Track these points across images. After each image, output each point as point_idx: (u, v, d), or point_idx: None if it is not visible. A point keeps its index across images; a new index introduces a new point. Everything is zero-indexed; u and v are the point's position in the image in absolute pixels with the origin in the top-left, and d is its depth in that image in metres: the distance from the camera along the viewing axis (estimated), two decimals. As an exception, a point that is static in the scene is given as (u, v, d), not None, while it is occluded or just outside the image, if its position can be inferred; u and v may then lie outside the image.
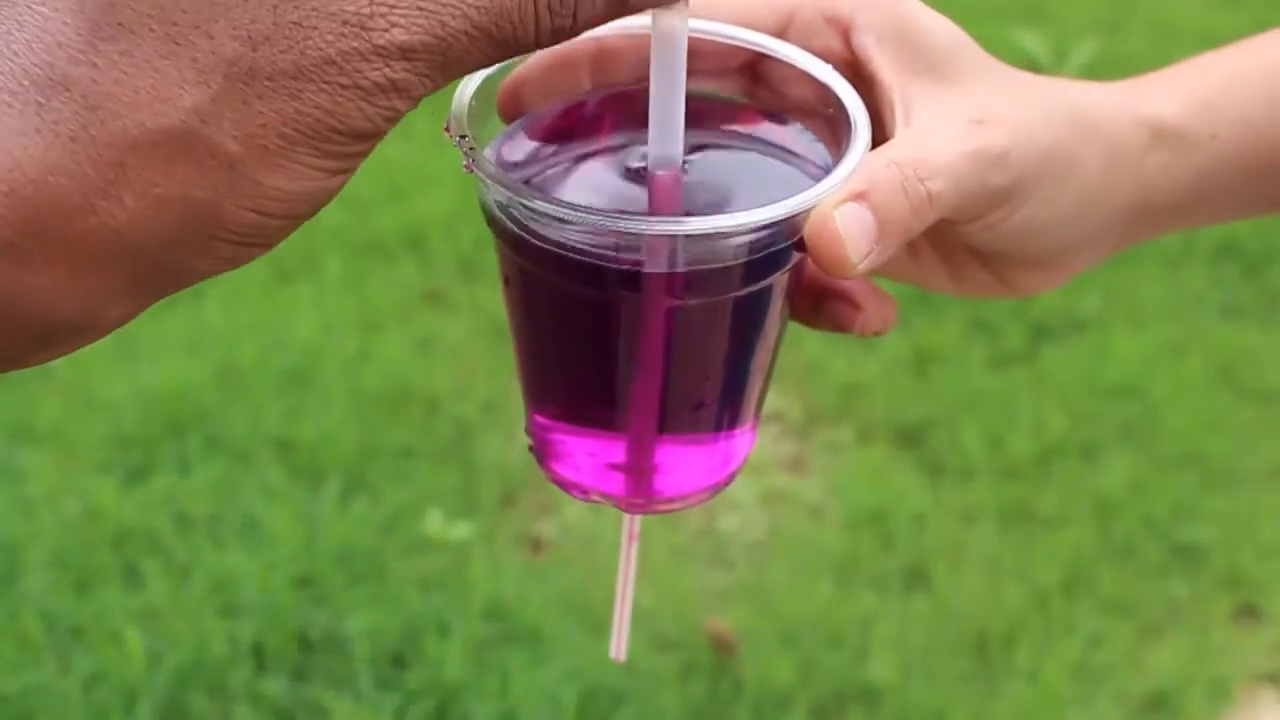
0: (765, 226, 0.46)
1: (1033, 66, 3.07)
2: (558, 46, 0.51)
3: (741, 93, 0.54)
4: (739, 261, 0.47)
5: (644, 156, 0.49)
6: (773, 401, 2.18)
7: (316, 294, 2.35)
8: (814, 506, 2.04)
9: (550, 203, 0.45)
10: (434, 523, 1.90)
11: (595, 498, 0.52)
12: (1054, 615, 1.86)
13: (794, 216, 0.47)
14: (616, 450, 0.51)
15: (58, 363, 2.16)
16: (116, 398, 2.08)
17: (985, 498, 2.04)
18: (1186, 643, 1.85)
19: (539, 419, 0.52)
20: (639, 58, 0.53)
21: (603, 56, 0.53)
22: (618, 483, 0.51)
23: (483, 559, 1.86)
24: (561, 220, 0.45)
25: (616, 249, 0.46)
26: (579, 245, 0.46)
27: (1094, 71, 3.04)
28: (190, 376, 2.12)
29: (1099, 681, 1.79)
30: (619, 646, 0.55)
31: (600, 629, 1.77)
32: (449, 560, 1.87)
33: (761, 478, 2.06)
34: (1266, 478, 2.12)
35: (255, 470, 1.97)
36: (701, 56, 0.53)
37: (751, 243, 0.47)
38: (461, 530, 1.90)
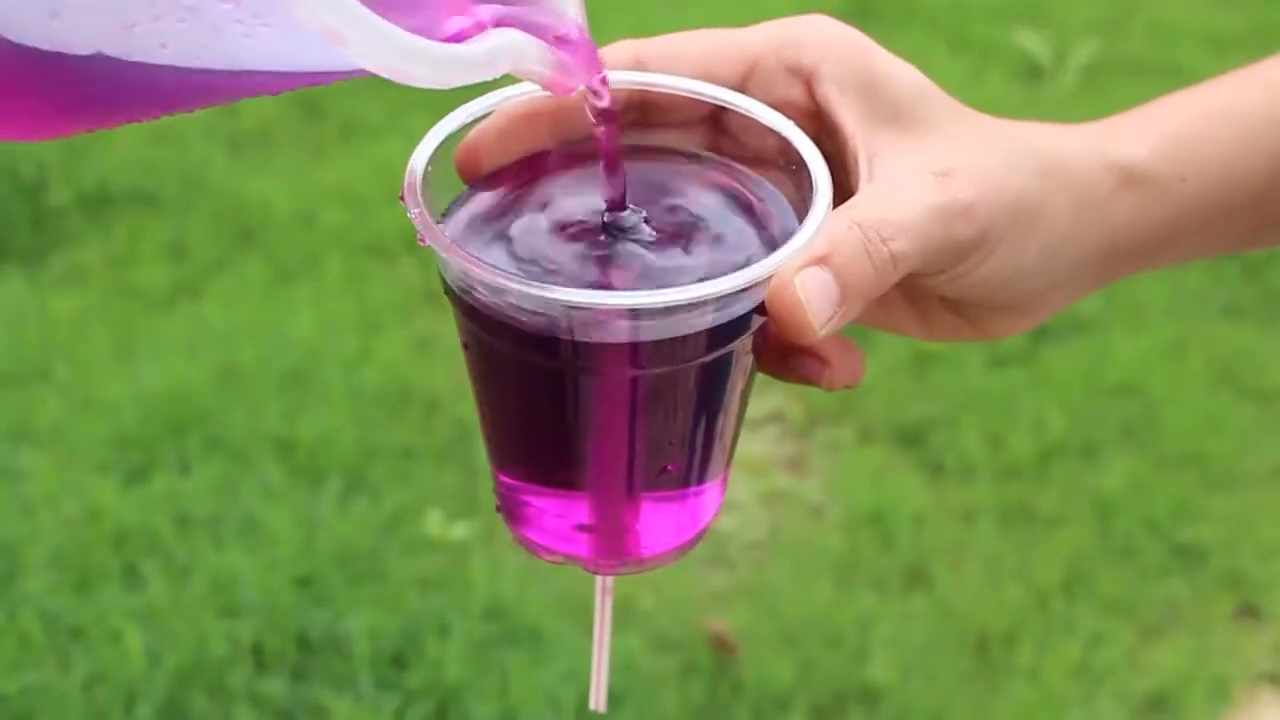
0: (726, 296, 0.45)
1: (1033, 67, 3.07)
2: (520, 104, 0.51)
3: (705, 145, 0.53)
4: (700, 330, 0.46)
5: (603, 218, 0.48)
6: (773, 402, 2.18)
7: (316, 294, 2.35)
8: (814, 506, 2.04)
9: (506, 279, 0.45)
10: (434, 523, 1.90)
11: (562, 559, 0.51)
12: (1054, 615, 1.86)
13: (754, 285, 0.46)
14: (584, 513, 0.50)
15: (58, 363, 2.16)
16: (116, 398, 2.08)
17: (985, 498, 2.04)
18: (1187, 643, 1.85)
19: (505, 480, 0.52)
20: None
21: (562, 114, 0.52)
22: (586, 545, 0.51)
23: (483, 559, 1.86)
24: (519, 294, 0.45)
25: (573, 323, 0.45)
26: (536, 319, 0.45)
27: (1094, 72, 3.04)
28: (190, 376, 2.12)
29: (1099, 681, 1.79)
30: (598, 697, 0.54)
31: (600, 629, 1.77)
32: (449, 560, 1.86)
33: (761, 478, 2.06)
34: (1266, 478, 2.12)
35: (255, 470, 1.97)
36: (664, 109, 0.52)
37: (714, 311, 0.46)
38: (461, 530, 1.90)
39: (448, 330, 2.30)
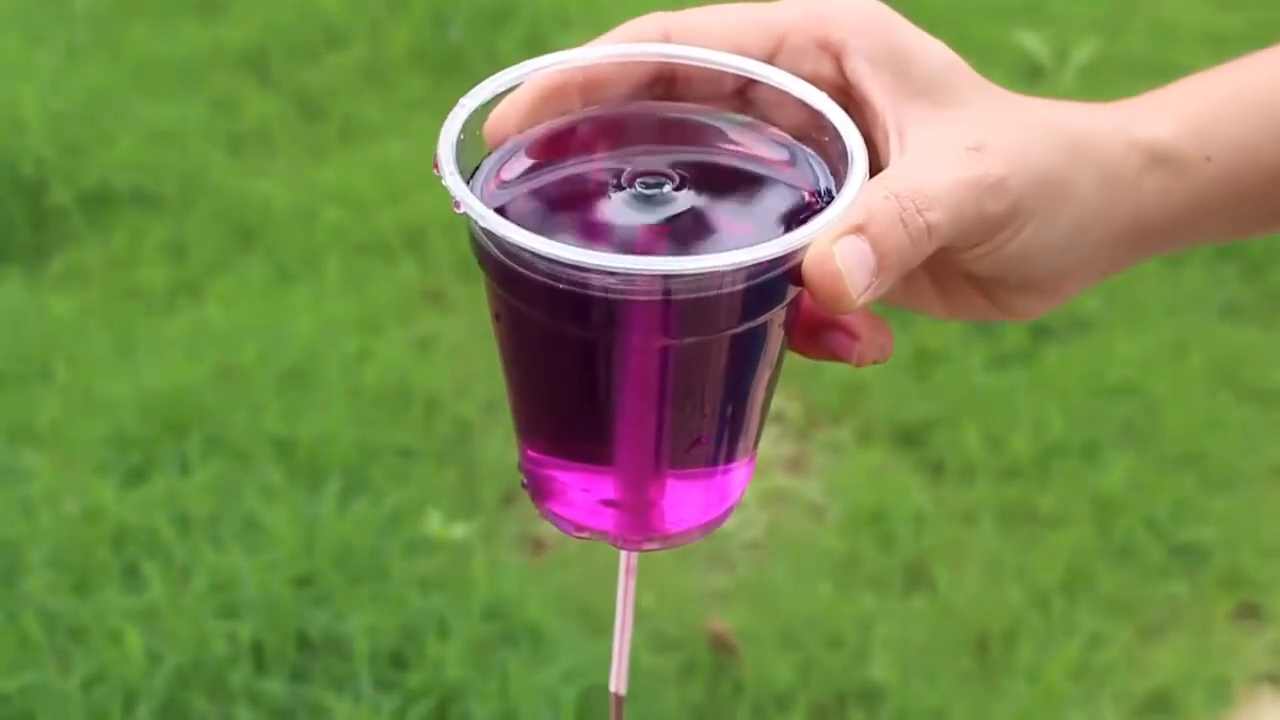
0: (761, 265, 0.45)
1: (1033, 66, 3.07)
2: (550, 75, 0.51)
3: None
4: (734, 299, 0.46)
5: (637, 180, 0.48)
6: (773, 401, 2.18)
7: (316, 294, 2.35)
8: (814, 506, 2.04)
9: (543, 244, 0.44)
10: (434, 523, 1.90)
11: (588, 535, 0.51)
12: (1054, 615, 1.86)
13: (791, 253, 0.46)
14: (611, 487, 0.50)
15: (58, 363, 2.16)
16: (116, 398, 2.08)
17: (985, 498, 2.04)
18: (1187, 643, 1.85)
19: (532, 454, 0.51)
20: (629, 86, 0.52)
21: (591, 86, 0.52)
22: (613, 519, 0.51)
23: (483, 559, 1.86)
24: (553, 261, 0.44)
25: (608, 289, 0.45)
26: (570, 286, 0.45)
27: (1094, 72, 3.04)
28: (190, 376, 2.12)
29: (1099, 681, 1.79)
30: (619, 680, 0.54)
31: (600, 629, 1.77)
32: (449, 560, 1.86)
33: (761, 478, 2.06)
34: (1266, 478, 2.12)
35: (255, 470, 1.97)
36: (692, 82, 0.52)
37: (747, 280, 0.46)
38: (461, 530, 1.90)
39: (448, 330, 2.30)
